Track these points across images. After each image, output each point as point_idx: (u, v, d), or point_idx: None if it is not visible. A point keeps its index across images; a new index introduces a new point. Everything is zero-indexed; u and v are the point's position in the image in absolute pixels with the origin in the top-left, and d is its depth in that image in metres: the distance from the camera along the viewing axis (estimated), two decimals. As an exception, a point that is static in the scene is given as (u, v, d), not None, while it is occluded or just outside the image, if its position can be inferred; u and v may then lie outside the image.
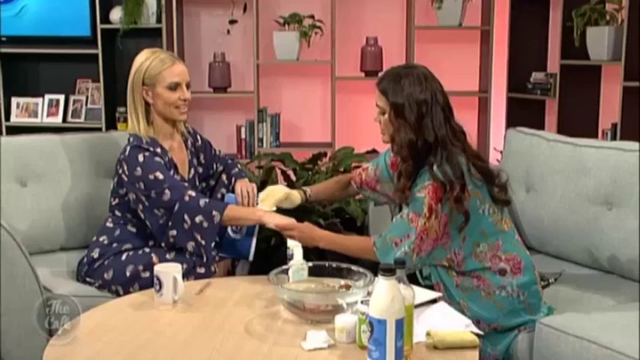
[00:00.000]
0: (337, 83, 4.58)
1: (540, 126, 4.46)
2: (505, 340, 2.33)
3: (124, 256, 2.64)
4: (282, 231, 2.48)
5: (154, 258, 2.59)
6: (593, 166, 2.73)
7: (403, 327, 1.75)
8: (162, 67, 2.64)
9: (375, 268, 2.27)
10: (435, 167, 2.24)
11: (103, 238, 2.72)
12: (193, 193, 2.57)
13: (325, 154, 4.20)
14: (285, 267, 2.24)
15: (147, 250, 2.64)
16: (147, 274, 2.56)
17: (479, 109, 4.79)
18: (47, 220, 2.94)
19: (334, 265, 2.24)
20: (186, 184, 2.65)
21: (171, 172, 2.64)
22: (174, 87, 2.64)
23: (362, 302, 1.90)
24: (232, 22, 4.61)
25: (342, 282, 2.19)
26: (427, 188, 2.24)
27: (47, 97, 4.92)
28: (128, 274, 2.59)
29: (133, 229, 2.70)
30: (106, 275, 2.63)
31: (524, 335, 2.32)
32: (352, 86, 4.74)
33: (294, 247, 2.30)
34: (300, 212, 3.29)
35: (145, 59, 2.67)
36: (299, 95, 4.87)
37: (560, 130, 3.98)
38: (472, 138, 4.51)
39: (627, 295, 2.50)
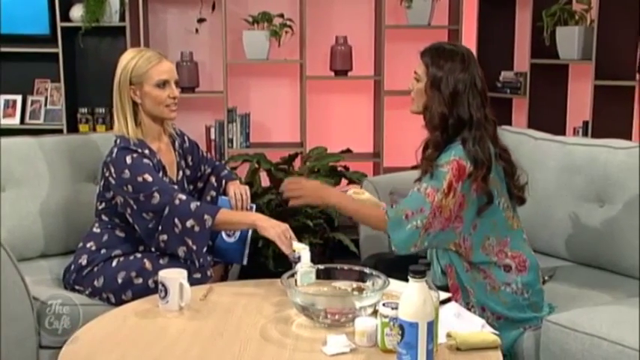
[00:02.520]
0: (307, 83, 4.54)
1: (509, 124, 4.51)
2: (509, 336, 2.33)
3: (114, 263, 2.56)
4: (291, 202, 2.43)
5: (147, 264, 2.51)
6: (583, 163, 2.77)
7: (434, 329, 1.74)
8: (149, 65, 2.57)
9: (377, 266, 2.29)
10: (470, 144, 2.25)
11: (91, 245, 2.62)
12: (184, 197, 2.50)
13: (297, 155, 4.17)
14: (293, 270, 2.19)
15: (138, 255, 2.56)
16: (140, 281, 2.49)
17: (447, 108, 4.81)
18: (27, 225, 2.84)
19: (346, 267, 2.21)
20: (175, 187, 2.58)
21: (160, 174, 2.57)
22: (162, 85, 2.57)
23: (384, 305, 1.87)
24: (200, 20, 4.52)
25: (354, 284, 2.15)
26: (452, 164, 2.23)
27: (3, 97, 4.72)
28: (120, 280, 2.51)
29: (122, 234, 2.62)
30: (96, 282, 2.54)
31: (529, 333, 2.33)
32: (322, 86, 4.70)
33: (302, 250, 2.25)
34: (287, 212, 3.27)
35: (130, 58, 2.59)
36: (268, 95, 4.80)
37: (531, 128, 4.03)
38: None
39: (623, 291, 2.54)
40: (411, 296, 1.72)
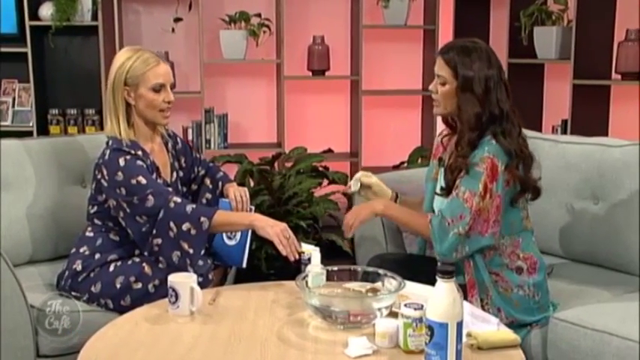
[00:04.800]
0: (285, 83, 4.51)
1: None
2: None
3: (111, 268, 2.50)
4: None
5: (146, 268, 2.46)
6: (577, 161, 2.80)
7: (462, 329, 1.73)
8: (146, 68, 2.50)
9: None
10: (501, 137, 2.26)
11: (84, 249, 2.55)
12: (179, 199, 2.44)
13: (280, 155, 4.14)
14: (304, 273, 2.16)
15: (136, 259, 2.50)
16: (139, 286, 2.44)
17: (423, 107, 4.85)
18: (16, 231, 2.75)
19: (359, 268, 2.20)
20: (170, 190, 2.52)
21: (154, 176, 2.51)
22: (158, 88, 2.51)
23: (405, 305, 1.86)
24: (177, 20, 4.44)
25: (368, 286, 2.13)
26: (486, 162, 2.24)
27: (-33, 99, 4.59)
28: (118, 286, 2.45)
29: (116, 238, 2.56)
30: (93, 288, 2.48)
31: (536, 331, 2.35)
32: (299, 85, 4.68)
33: (312, 252, 2.23)
34: (279, 214, 3.24)
35: (126, 59, 2.52)
36: (245, 95, 4.75)
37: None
38: (417, 136, 4.52)
39: (621, 287, 2.57)
40: (440, 297, 1.71)
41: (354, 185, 2.50)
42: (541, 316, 2.35)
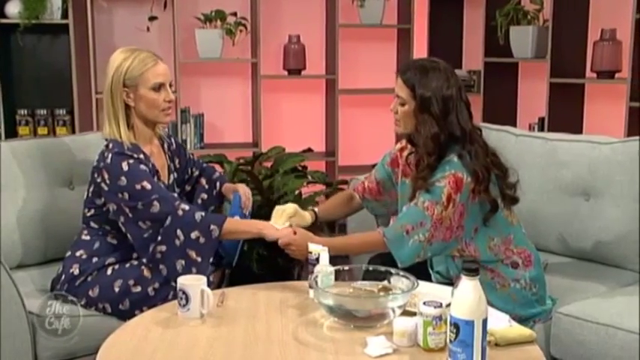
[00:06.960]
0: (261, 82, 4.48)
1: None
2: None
3: (109, 271, 2.45)
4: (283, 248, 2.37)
5: (145, 271, 2.41)
6: (568, 159, 2.84)
7: (487, 327, 1.74)
8: (145, 68, 2.45)
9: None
10: (467, 158, 2.24)
11: (80, 253, 2.50)
12: (187, 207, 2.40)
13: (260, 155, 4.11)
14: (315, 274, 2.13)
15: (134, 262, 2.46)
16: (138, 289, 2.40)
17: (397, 106, 4.86)
18: (5, 234, 2.66)
19: (371, 268, 2.19)
20: (175, 195, 2.48)
21: (155, 180, 2.46)
22: (158, 88, 2.47)
23: (424, 304, 1.86)
24: (152, 18, 4.36)
25: (380, 285, 2.13)
26: (448, 178, 2.24)
27: None
28: (117, 289, 2.41)
29: (114, 241, 2.51)
30: (90, 292, 2.43)
31: (539, 326, 2.38)
32: (274, 85, 4.66)
33: (321, 252, 2.21)
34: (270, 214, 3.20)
35: (123, 59, 2.47)
36: (220, 95, 4.70)
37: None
38: (392, 135, 4.55)
39: (615, 281, 2.63)
40: (465, 294, 1.71)
41: (281, 224, 2.44)
42: (540, 309, 2.38)
